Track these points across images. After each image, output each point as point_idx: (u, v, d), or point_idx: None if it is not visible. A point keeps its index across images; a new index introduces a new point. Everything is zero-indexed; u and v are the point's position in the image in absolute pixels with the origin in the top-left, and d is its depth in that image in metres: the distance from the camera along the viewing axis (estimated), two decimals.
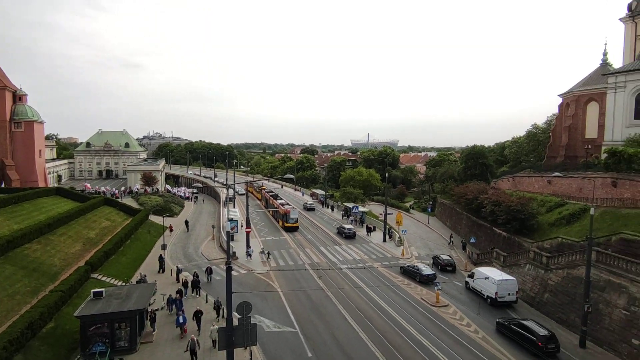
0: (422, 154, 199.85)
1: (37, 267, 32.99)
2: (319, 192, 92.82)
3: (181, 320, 26.83)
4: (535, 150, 73.13)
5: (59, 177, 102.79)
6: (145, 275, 36.22)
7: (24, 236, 35.11)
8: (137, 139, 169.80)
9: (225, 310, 26.39)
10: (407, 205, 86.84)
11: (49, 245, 37.90)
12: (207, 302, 32.57)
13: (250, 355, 23.51)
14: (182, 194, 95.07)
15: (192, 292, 34.35)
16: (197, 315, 27.42)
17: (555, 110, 68.87)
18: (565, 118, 63.60)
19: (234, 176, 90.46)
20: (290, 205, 67.51)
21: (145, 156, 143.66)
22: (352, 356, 24.78)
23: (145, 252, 47.55)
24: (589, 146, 57.28)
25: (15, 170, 70.76)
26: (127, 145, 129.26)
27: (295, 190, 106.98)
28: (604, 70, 58.42)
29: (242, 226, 55.79)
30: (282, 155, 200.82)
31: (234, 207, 70.79)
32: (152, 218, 62.86)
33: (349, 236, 56.50)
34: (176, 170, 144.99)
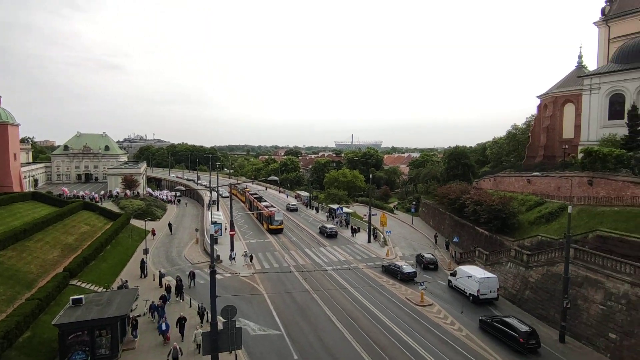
0: (406, 154, 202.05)
1: (12, 274, 31.87)
2: (304, 193, 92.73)
3: (164, 327, 26.26)
4: (516, 150, 74.75)
5: (36, 181, 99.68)
6: (126, 281, 35.41)
7: None
8: (117, 142, 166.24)
9: (209, 315, 26.00)
10: (391, 205, 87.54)
11: (25, 252, 36.68)
12: (190, 306, 32.07)
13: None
14: (165, 197, 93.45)
15: (176, 297, 33.79)
16: (181, 321, 26.86)
17: (534, 111, 70.65)
18: (543, 119, 65.30)
19: (218, 179, 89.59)
20: (274, 207, 67.22)
21: (126, 159, 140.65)
22: (337, 357, 24.78)
23: (127, 257, 46.53)
24: (566, 146, 59.00)
25: None
26: (107, 148, 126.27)
27: (280, 192, 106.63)
28: (580, 72, 60.28)
29: (226, 229, 55.23)
30: (266, 157, 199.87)
31: (218, 210, 70.07)
32: (134, 222, 61.61)
33: (331, 235, 57.59)
34: (158, 173, 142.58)
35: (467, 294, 35.21)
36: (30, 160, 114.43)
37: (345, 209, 69.36)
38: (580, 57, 64.78)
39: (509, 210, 45.39)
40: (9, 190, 66.30)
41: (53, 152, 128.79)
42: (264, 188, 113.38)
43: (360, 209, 78.67)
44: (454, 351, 25.76)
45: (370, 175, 71.21)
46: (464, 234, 53.29)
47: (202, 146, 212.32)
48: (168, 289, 33.85)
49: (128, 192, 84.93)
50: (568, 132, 60.91)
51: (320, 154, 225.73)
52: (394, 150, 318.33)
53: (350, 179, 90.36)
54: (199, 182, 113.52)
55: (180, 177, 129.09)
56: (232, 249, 46.25)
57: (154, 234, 57.94)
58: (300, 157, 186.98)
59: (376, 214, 59.62)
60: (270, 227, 60.18)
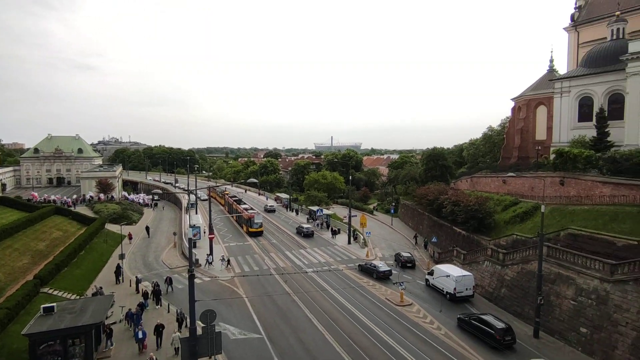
0: (385, 156, 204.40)
1: None
2: (283, 196, 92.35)
3: (140, 336, 25.33)
4: (491, 151, 76.63)
5: (3, 185, 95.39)
6: (101, 287, 34.30)
7: None
8: (91, 144, 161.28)
9: (188, 321, 25.47)
10: (371, 207, 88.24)
11: None
12: (168, 312, 31.35)
13: None
14: (141, 201, 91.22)
15: (154, 303, 32.87)
16: (158, 329, 25.96)
17: (509, 113, 72.71)
18: (517, 121, 67.23)
19: (196, 181, 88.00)
20: (254, 209, 66.66)
21: (101, 162, 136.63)
22: (318, 359, 24.72)
23: (102, 263, 45.13)
24: (539, 147, 60.93)
25: None
26: (80, 150, 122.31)
27: (259, 194, 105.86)
28: (551, 76, 62.43)
29: (205, 232, 54.32)
30: (246, 159, 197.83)
31: (196, 213, 68.90)
32: (109, 227, 59.88)
33: (307, 235, 58.98)
34: (134, 176, 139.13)
35: (445, 292, 35.90)
36: None
37: (326, 211, 69.47)
38: (551, 61, 67.15)
39: (485, 210, 46.48)
40: None
41: (22, 155, 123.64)
42: (244, 190, 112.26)
43: (341, 211, 78.95)
44: (434, 349, 26.13)
45: (350, 177, 71.83)
46: (442, 234, 54.22)
47: (179, 148, 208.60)
48: (145, 295, 33.01)
49: (102, 196, 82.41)
50: (541, 134, 62.92)
51: (300, 155, 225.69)
52: (373, 151, 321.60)
53: (330, 180, 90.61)
54: (177, 185, 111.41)
55: (157, 180, 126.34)
56: (210, 252, 45.53)
57: (130, 238, 56.46)
58: (280, 159, 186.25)
59: (356, 216, 59.98)
60: (250, 229, 59.61)
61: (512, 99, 70.16)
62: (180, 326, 27.82)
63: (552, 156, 50.15)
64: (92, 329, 23.36)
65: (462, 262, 41.36)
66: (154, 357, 22.68)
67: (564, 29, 65.63)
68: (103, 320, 25.33)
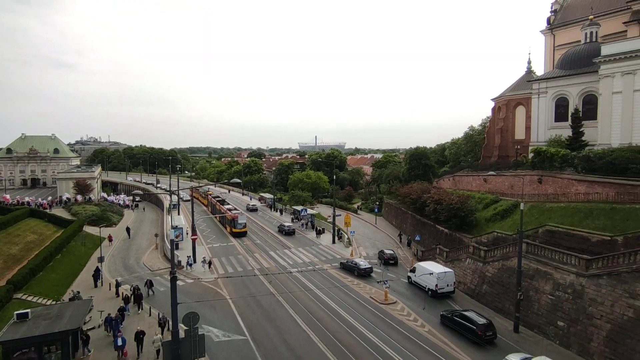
0: (369, 155, 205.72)
1: None
2: (267, 195, 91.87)
3: (120, 343, 24.29)
4: (473, 150, 77.88)
5: None
6: (79, 292, 33.32)
7: None
8: (68, 145, 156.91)
9: (170, 324, 24.97)
10: (355, 206, 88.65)
11: None
12: (150, 315, 30.72)
13: None
14: (121, 202, 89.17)
15: (136, 308, 32.04)
16: (139, 335, 25.13)
17: (490, 113, 74.07)
18: (497, 121, 68.57)
19: (178, 182, 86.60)
20: (237, 210, 66.05)
21: (79, 163, 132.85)
22: (303, 358, 24.66)
23: (80, 267, 43.89)
24: (519, 146, 62.35)
25: None
26: (56, 151, 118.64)
27: (243, 194, 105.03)
28: (529, 77, 63.96)
29: (187, 234, 53.53)
30: (229, 159, 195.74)
31: (179, 214, 67.81)
32: (88, 229, 58.31)
33: (289, 233, 59.90)
34: (114, 177, 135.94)
35: (427, 289, 36.50)
36: None
37: (310, 210, 69.40)
38: (529, 62, 68.71)
39: (467, 208, 47.27)
40: None
41: None
42: (227, 191, 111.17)
43: (325, 210, 79.03)
44: (417, 347, 26.41)
45: (334, 177, 71.81)
46: (426, 232, 54.90)
47: (161, 148, 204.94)
48: (126, 299, 32.15)
49: (78, 197, 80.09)
50: (520, 133, 64.37)
51: (284, 155, 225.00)
52: (357, 151, 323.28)
53: (314, 180, 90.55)
54: (159, 185, 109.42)
55: (138, 181, 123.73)
56: (193, 254, 44.90)
57: (110, 240, 55.16)
58: (263, 159, 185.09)
59: (340, 215, 60.14)
60: (234, 230, 59.04)
61: (492, 99, 71.52)
62: (162, 330, 27.25)
63: (530, 155, 51.36)
64: (69, 335, 22.67)
65: (444, 259, 41.95)
66: None
67: (540, 31, 67.39)
68: (81, 326, 24.58)
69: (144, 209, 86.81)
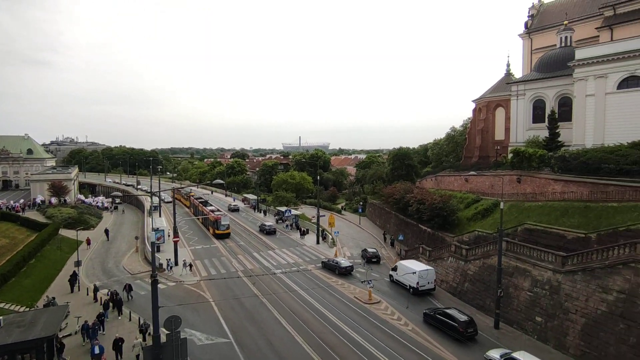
0: (353, 156, 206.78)
1: None
2: (251, 196, 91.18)
3: (97, 351, 23.37)
4: (454, 151, 79.21)
5: None
6: (54, 298, 32.22)
7: None
8: (43, 145, 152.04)
9: (152, 329, 24.41)
10: (339, 206, 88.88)
11: None
12: (130, 320, 30.01)
13: None
14: (100, 204, 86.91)
15: (116, 313, 31.14)
16: (117, 343, 24.31)
17: (471, 114, 75.49)
18: (478, 122, 69.95)
19: (159, 183, 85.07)
20: (220, 211, 65.30)
21: (54, 164, 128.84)
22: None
23: (55, 271, 42.50)
24: (499, 147, 63.75)
25: None
26: (29, 151, 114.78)
27: (226, 195, 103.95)
28: (508, 79, 65.54)
29: (169, 236, 52.59)
30: (212, 160, 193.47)
31: (160, 216, 66.65)
32: (64, 232, 56.53)
33: (270, 232, 60.89)
34: (92, 178, 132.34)
35: (408, 287, 37.09)
36: None
37: (294, 211, 69.23)
38: (508, 65, 70.35)
39: (449, 208, 48.01)
40: None
41: None
42: (210, 192, 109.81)
43: (309, 211, 78.95)
44: (401, 345, 26.65)
45: (318, 177, 71.92)
46: (409, 231, 55.50)
47: (142, 149, 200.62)
48: (106, 304, 31.26)
49: (54, 199, 77.59)
50: (500, 134, 65.84)
51: (268, 156, 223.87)
52: (341, 152, 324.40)
53: (299, 180, 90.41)
54: (139, 187, 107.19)
55: (117, 182, 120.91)
56: (175, 256, 44.12)
57: (88, 244, 53.72)
58: (247, 160, 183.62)
59: (324, 215, 60.18)
60: (217, 232, 58.33)
61: (473, 101, 72.91)
62: (144, 337, 26.53)
63: (510, 155, 52.58)
64: (44, 343, 21.90)
65: (427, 258, 42.48)
66: None
67: (519, 35, 69.16)
68: (56, 333, 23.78)
69: (123, 211, 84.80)
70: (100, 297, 33.70)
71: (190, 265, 42.73)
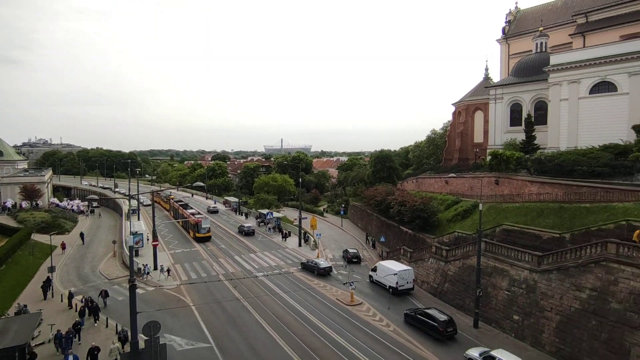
0: (334, 158, 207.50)
1: None
2: (232, 199, 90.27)
3: None
4: (435, 153, 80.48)
5: None
6: (25, 306, 30.91)
7: None
8: (14, 147, 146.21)
9: (130, 335, 23.77)
10: (321, 209, 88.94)
11: None
12: (107, 326, 29.16)
13: None
14: (75, 208, 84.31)
15: (92, 320, 30.13)
16: (93, 352, 23.42)
17: (451, 117, 76.91)
18: (457, 125, 71.34)
19: (138, 186, 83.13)
20: (201, 214, 64.44)
21: (26, 166, 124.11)
22: None
23: (28, 278, 40.91)
24: (477, 149, 65.16)
25: None
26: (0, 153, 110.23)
27: (207, 198, 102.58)
28: (487, 83, 67.15)
29: (148, 239, 51.42)
30: (192, 162, 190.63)
31: (139, 219, 65.14)
32: (37, 237, 54.52)
33: (249, 233, 61.53)
34: (68, 181, 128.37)
35: (388, 287, 37.62)
36: None
37: (276, 214, 68.91)
38: (486, 69, 72.17)
39: (430, 209, 48.67)
40: None
41: None
42: (190, 195, 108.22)
43: (291, 213, 78.67)
44: (383, 346, 26.81)
45: (300, 179, 71.84)
46: (390, 233, 56.00)
47: (119, 151, 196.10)
48: (82, 312, 30.20)
49: (25, 203, 74.74)
50: (478, 137, 67.33)
51: (250, 158, 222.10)
52: (323, 154, 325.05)
53: (280, 183, 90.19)
54: (117, 190, 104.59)
55: (94, 185, 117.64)
56: (155, 260, 43.20)
57: (63, 248, 51.99)
58: (228, 162, 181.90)
59: (306, 218, 60.10)
60: (197, 235, 57.44)
61: (453, 104, 74.31)
62: (123, 345, 25.63)
63: (488, 158, 53.77)
64: (15, 352, 21.06)
65: (409, 260, 42.94)
66: None
67: (496, 40, 71.03)
68: (28, 342, 22.90)
69: (99, 215, 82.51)
70: (76, 304, 32.62)
71: (169, 270, 41.73)
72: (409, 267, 38.36)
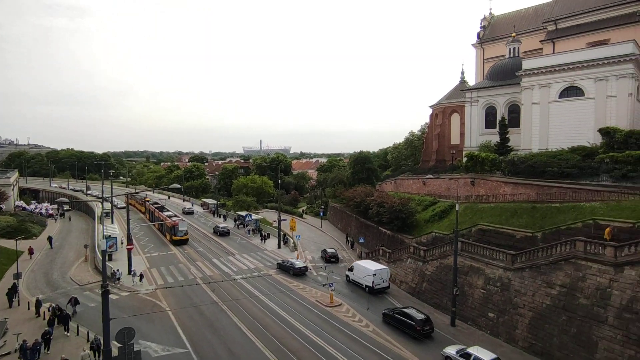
0: (314, 160, 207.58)
1: None
2: (210, 201, 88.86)
3: None
4: (413, 155, 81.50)
5: None
6: None
7: None
8: None
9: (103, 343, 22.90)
10: (301, 210, 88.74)
11: None
12: (78, 334, 28.07)
13: None
14: (44, 211, 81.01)
15: (63, 330, 28.83)
16: None
17: (428, 119, 78.18)
18: (435, 127, 72.60)
19: (112, 188, 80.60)
20: (178, 217, 63.07)
21: None
22: None
23: None
24: (454, 151, 66.50)
25: None
26: None
27: (184, 200, 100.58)
28: (463, 86, 68.68)
29: (122, 243, 49.93)
30: (169, 164, 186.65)
31: (113, 222, 63.20)
32: (2, 242, 52.07)
33: (224, 234, 61.77)
34: (35, 183, 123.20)
35: (364, 286, 38.12)
36: None
37: (255, 216, 68.23)
38: (462, 73, 73.70)
39: (408, 210, 49.31)
40: None
41: None
42: (167, 197, 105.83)
43: (270, 215, 78.13)
44: (362, 346, 26.93)
45: (279, 181, 71.36)
46: (370, 234, 56.38)
47: (92, 152, 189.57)
48: (50, 320, 28.83)
49: None
50: (455, 139, 68.71)
51: (228, 159, 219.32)
52: (302, 155, 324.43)
53: (259, 184, 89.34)
54: (89, 192, 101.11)
55: (64, 188, 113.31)
56: (129, 264, 41.94)
57: (31, 254, 49.82)
58: (206, 164, 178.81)
59: (286, 219, 59.86)
60: (174, 238, 56.18)
61: (430, 106, 75.59)
62: (95, 354, 24.47)
63: (464, 159, 54.94)
64: None
65: (387, 260, 43.35)
66: None
67: (472, 44, 72.85)
68: None
69: (70, 218, 79.54)
70: (44, 312, 31.23)
71: (142, 275, 40.44)
72: (385, 267, 39.14)
